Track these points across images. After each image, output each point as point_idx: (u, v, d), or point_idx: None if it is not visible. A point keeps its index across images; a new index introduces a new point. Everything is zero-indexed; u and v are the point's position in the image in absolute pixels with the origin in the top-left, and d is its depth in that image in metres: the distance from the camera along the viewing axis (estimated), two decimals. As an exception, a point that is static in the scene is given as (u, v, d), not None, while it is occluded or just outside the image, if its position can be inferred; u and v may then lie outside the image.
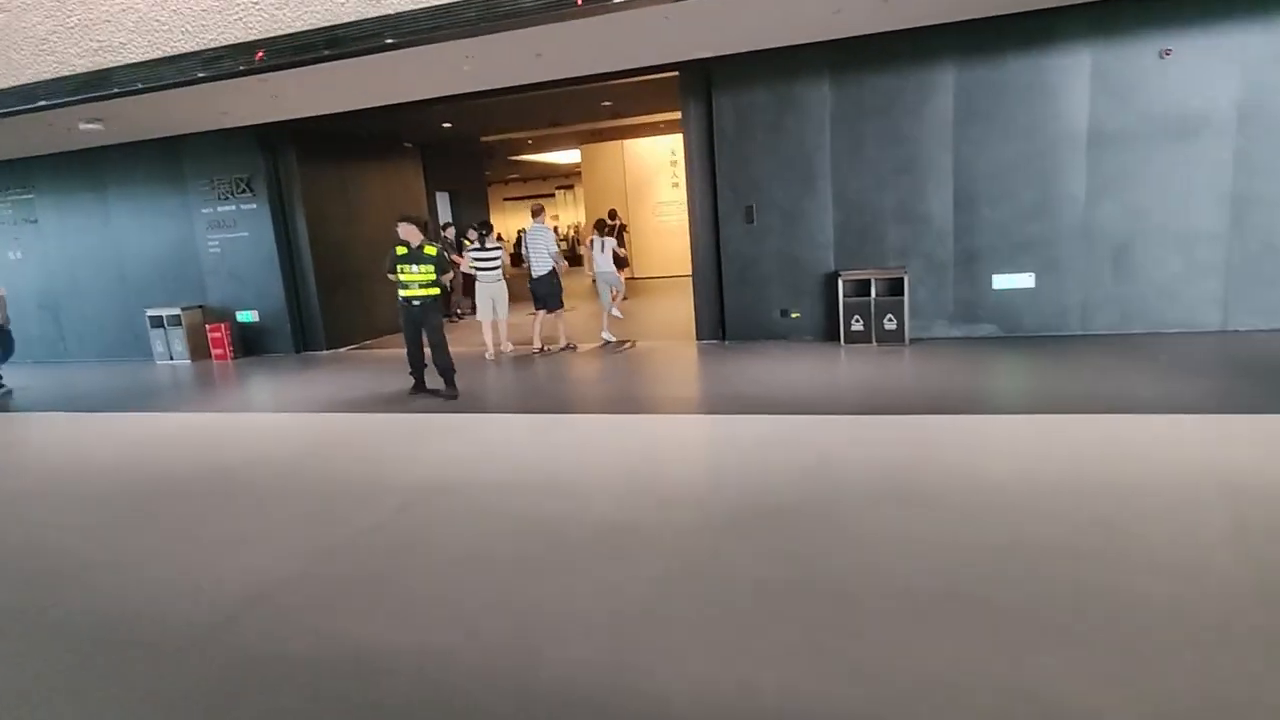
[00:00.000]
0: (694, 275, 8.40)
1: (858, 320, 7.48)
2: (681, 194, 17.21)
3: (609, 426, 5.51)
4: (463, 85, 8.13)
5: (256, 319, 10.15)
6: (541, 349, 8.48)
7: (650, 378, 7.12)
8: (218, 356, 10.06)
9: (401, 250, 6.49)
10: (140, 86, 6.83)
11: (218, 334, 10.01)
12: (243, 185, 9.77)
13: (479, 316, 8.52)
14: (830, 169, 7.58)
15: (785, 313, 8.00)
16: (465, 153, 13.68)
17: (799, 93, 7.54)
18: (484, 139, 13.63)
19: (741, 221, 7.95)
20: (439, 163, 12.82)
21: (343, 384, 7.94)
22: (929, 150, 7.27)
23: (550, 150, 17.87)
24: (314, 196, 9.99)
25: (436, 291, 6.56)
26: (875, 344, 7.45)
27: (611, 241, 8.86)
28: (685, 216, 16.73)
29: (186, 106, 7.88)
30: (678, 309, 11.36)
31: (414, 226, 6.53)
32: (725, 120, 7.82)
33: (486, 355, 8.53)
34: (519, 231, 8.19)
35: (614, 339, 8.71)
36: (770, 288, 8.01)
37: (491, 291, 8.33)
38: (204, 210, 10.04)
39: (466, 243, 11.59)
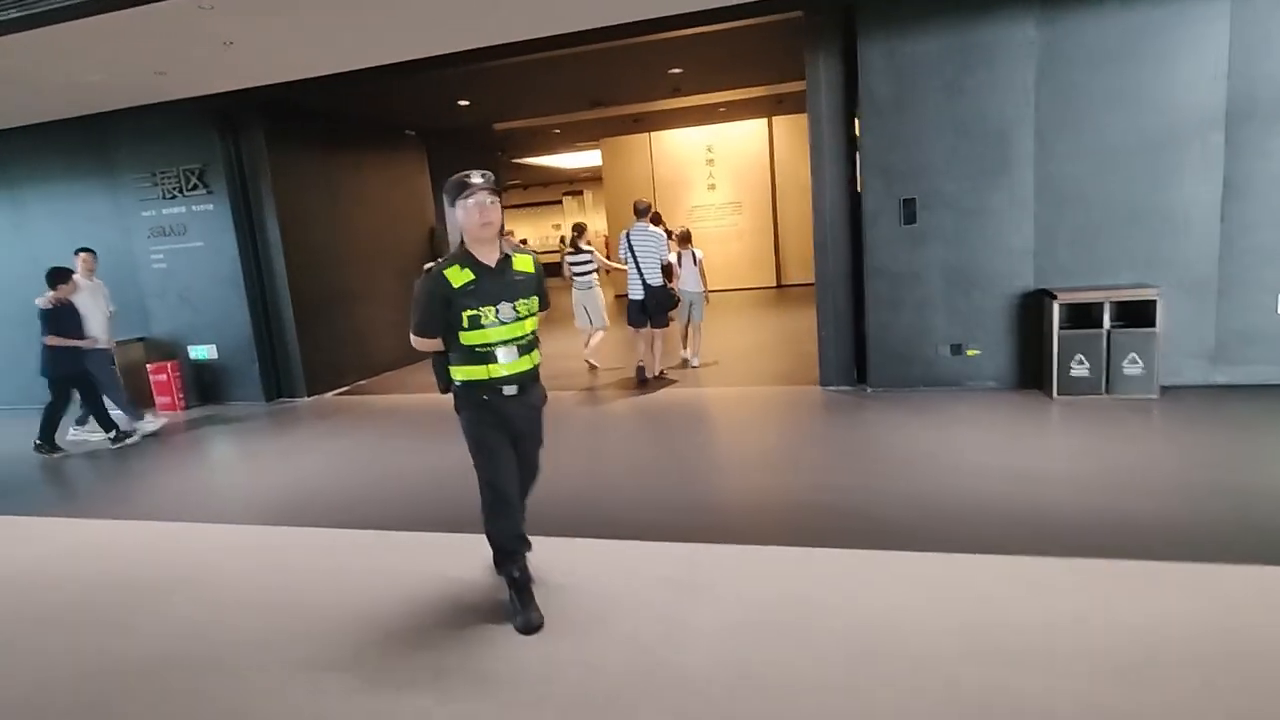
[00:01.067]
0: (819, 295, 6.10)
1: (1080, 362, 5.20)
2: (719, 197, 14.97)
3: (817, 577, 3.17)
4: (492, 32, 5.79)
5: (214, 356, 7.70)
6: (660, 373, 7.15)
7: (795, 452, 4.79)
8: (164, 406, 7.60)
9: (461, 277, 2.67)
10: (16, 15, 4.45)
11: (163, 376, 7.57)
12: (194, 179, 7.34)
13: (576, 325, 7.78)
14: (1034, 147, 5.32)
15: (958, 348, 5.71)
16: (477, 145, 11.28)
17: (989, 37, 5.27)
18: (498, 126, 11.23)
19: (895, 221, 5.66)
20: (446, 156, 10.39)
21: (335, 458, 5.54)
22: (1189, 115, 5.03)
23: (570, 148, 15.52)
24: (289, 194, 7.57)
25: (538, 360, 2.92)
26: (1108, 394, 5.17)
27: (698, 254, 7.20)
28: (723, 223, 14.91)
29: (103, 59, 5.47)
30: (746, 336, 9.09)
31: (492, 200, 2.69)
32: (875, 79, 5.54)
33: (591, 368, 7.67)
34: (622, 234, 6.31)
35: (697, 362, 7.59)
36: (934, 313, 5.72)
37: (584, 299, 7.59)
38: (144, 213, 7.60)
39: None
